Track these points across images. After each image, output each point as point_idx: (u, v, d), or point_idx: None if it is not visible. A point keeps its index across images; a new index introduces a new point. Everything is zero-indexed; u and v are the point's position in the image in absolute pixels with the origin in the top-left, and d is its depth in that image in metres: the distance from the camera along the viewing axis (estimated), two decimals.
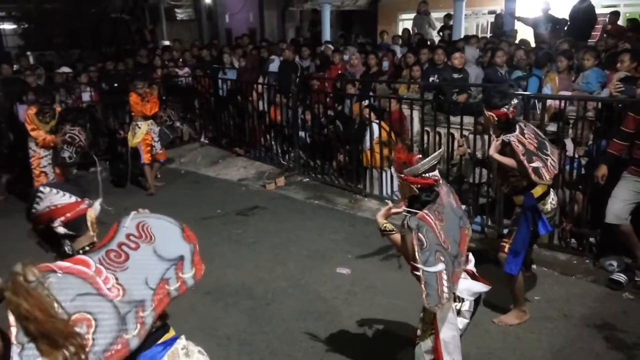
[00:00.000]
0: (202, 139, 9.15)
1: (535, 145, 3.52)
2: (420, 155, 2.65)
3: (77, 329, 1.59)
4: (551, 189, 3.68)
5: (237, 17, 14.78)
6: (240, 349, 3.54)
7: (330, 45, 9.27)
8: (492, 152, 3.59)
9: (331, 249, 4.99)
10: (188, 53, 10.35)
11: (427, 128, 5.88)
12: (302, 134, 7.33)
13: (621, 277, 4.13)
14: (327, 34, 11.93)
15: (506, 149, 3.50)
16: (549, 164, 3.47)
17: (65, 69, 9.18)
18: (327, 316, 3.86)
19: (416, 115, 5.98)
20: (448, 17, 10.37)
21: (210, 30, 15.28)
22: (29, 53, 12.93)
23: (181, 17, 18.22)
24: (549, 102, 5.14)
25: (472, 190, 5.41)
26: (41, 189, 1.88)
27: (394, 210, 2.62)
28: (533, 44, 8.23)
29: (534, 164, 3.40)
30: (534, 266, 4.51)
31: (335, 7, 13.01)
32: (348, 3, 13.23)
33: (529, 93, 5.49)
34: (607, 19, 8.62)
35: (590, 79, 5.64)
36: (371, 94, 6.91)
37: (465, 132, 5.36)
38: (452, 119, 5.50)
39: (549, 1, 8.53)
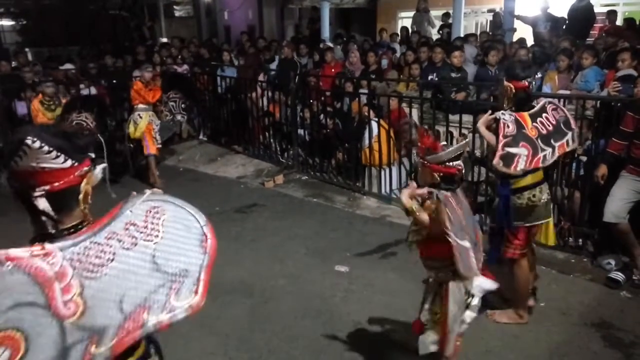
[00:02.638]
0: (201, 136, 9.15)
1: (545, 132, 3.31)
2: (445, 143, 2.57)
3: None
4: (541, 186, 3.45)
5: (236, 14, 14.75)
6: (239, 347, 3.55)
7: (330, 43, 9.27)
8: (480, 124, 3.45)
9: (330, 247, 4.99)
10: (186, 50, 10.34)
11: (425, 126, 5.87)
12: (301, 131, 7.33)
13: (619, 276, 4.13)
14: (326, 32, 11.92)
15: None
16: (539, 155, 3.26)
17: (68, 66, 9.18)
18: (325, 314, 3.86)
19: (415, 113, 5.98)
20: (447, 15, 10.36)
21: (209, 27, 15.25)
22: (27, 49, 12.89)
23: (180, 14, 18.20)
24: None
25: (470, 188, 5.41)
26: (29, 140, 1.36)
27: (417, 191, 2.52)
28: (531, 43, 8.24)
29: (512, 149, 3.20)
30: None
31: (334, 4, 12.99)
32: (347, 1, 13.21)
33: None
34: (605, 18, 8.64)
35: (589, 77, 5.65)
36: (366, 91, 6.91)
37: (464, 131, 5.37)
38: (450, 117, 5.51)
39: (548, 0, 8.54)
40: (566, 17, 8.27)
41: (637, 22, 8.26)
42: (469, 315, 2.54)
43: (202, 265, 1.41)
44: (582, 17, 8.00)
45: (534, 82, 3.51)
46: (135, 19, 15.42)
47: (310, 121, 7.23)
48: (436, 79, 6.60)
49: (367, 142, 6.19)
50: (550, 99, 3.64)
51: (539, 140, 3.28)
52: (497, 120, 3.31)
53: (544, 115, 3.36)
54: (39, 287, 1.24)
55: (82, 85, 7.91)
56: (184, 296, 1.37)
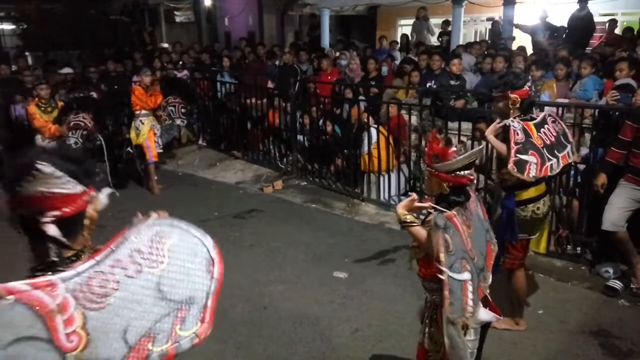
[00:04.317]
0: (200, 142, 9.16)
1: (548, 142, 3.33)
2: (457, 148, 2.28)
3: None
4: (544, 199, 3.47)
5: (236, 20, 14.79)
6: (237, 353, 3.54)
7: (332, 51, 9.30)
8: (489, 132, 3.44)
9: (328, 253, 4.99)
10: (186, 55, 10.37)
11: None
12: (300, 137, 7.34)
13: (617, 284, 4.14)
14: (326, 39, 11.96)
15: (506, 134, 3.32)
16: (547, 164, 3.27)
17: (67, 70, 9.20)
18: (324, 320, 3.86)
19: (414, 120, 6.00)
20: (446, 22, 10.41)
21: (210, 33, 15.31)
22: (27, 53, 12.92)
23: (180, 20, 18.27)
24: (546, 109, 5.16)
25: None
26: (41, 165, 1.34)
27: (417, 204, 2.29)
28: (530, 51, 8.28)
29: (523, 156, 3.19)
30: (529, 272, 4.52)
31: (334, 11, 13.04)
32: (347, 8, 13.26)
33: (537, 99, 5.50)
34: (606, 27, 8.69)
35: (587, 86, 5.68)
36: (364, 97, 6.94)
37: (463, 138, 5.38)
38: (449, 124, 5.53)
39: (547, 9, 8.58)
40: (566, 26, 8.31)
41: (635, 32, 8.32)
42: (468, 337, 2.23)
43: (208, 292, 1.40)
44: (582, 26, 8.04)
45: (533, 87, 3.53)
46: (135, 24, 15.47)
47: (310, 127, 7.25)
48: (435, 86, 6.62)
49: (366, 148, 6.20)
50: (549, 112, 3.69)
51: (545, 150, 3.29)
52: (505, 128, 3.31)
53: (545, 126, 3.39)
54: (41, 320, 1.21)
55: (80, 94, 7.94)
56: (189, 325, 1.35)
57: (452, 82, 6.42)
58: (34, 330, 1.20)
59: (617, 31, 8.74)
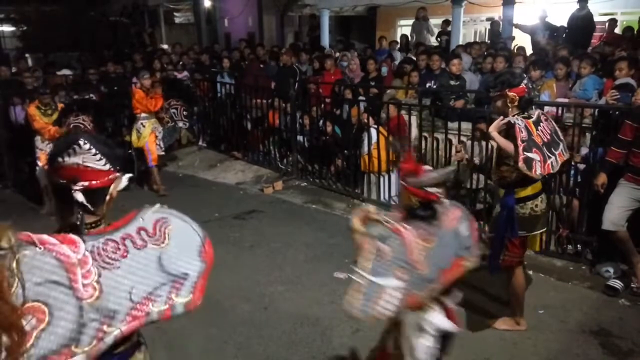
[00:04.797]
0: (201, 143, 9.16)
1: (546, 140, 3.37)
2: (430, 168, 2.44)
3: (25, 321, 1.36)
4: (541, 196, 3.50)
5: (236, 22, 14.81)
6: (237, 353, 3.54)
7: (333, 51, 9.30)
8: (493, 129, 3.45)
9: (328, 254, 4.99)
10: (186, 56, 10.38)
11: (424, 134, 5.89)
12: (300, 138, 7.35)
13: (617, 284, 4.14)
14: (325, 39, 11.97)
15: (510, 131, 3.36)
16: (548, 162, 3.31)
17: (66, 71, 9.20)
18: (324, 320, 3.86)
19: (414, 120, 6.00)
20: (446, 22, 10.42)
21: (209, 34, 15.31)
22: (27, 55, 12.94)
23: (180, 21, 18.29)
24: (546, 108, 5.16)
25: (469, 195, 5.43)
26: (82, 141, 1.62)
27: (372, 216, 2.34)
28: (530, 51, 8.28)
29: (529, 154, 3.23)
30: (530, 272, 4.53)
31: (334, 12, 13.05)
32: (347, 8, 13.27)
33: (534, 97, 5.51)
34: (606, 27, 8.69)
35: (587, 86, 5.68)
36: (364, 98, 6.94)
37: (463, 138, 5.38)
38: (449, 124, 5.53)
39: (547, 9, 8.59)
40: (566, 26, 8.31)
41: (635, 32, 8.32)
42: (425, 343, 2.29)
43: (200, 272, 1.64)
44: (582, 26, 8.04)
45: (529, 84, 3.55)
46: (135, 26, 15.49)
47: (310, 128, 7.25)
48: (434, 86, 6.63)
49: (366, 148, 6.21)
50: (541, 111, 3.72)
51: (545, 147, 3.33)
52: (510, 126, 3.33)
53: (541, 124, 3.42)
54: (64, 270, 1.45)
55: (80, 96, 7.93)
56: (183, 294, 1.60)
57: (452, 82, 6.41)
58: (57, 277, 1.43)
59: (617, 31, 8.74)
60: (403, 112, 6.06)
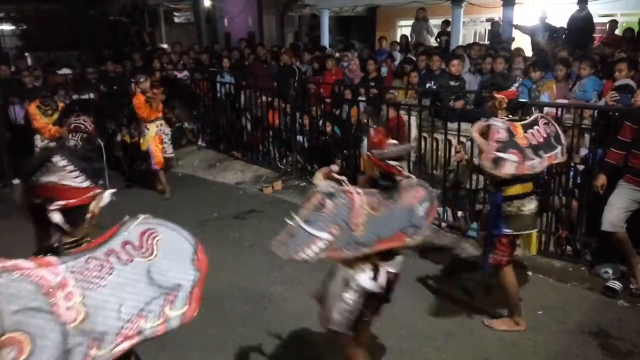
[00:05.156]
0: (200, 142, 9.15)
1: (535, 142, 3.43)
2: (396, 142, 2.64)
3: (4, 353, 1.28)
4: (531, 197, 3.55)
5: (236, 21, 14.80)
6: (237, 354, 3.54)
7: (336, 53, 9.29)
8: (474, 130, 3.53)
9: None
10: (186, 56, 10.37)
11: (424, 134, 5.90)
12: (300, 138, 7.35)
13: (616, 285, 4.14)
14: (325, 39, 11.97)
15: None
16: (528, 163, 3.38)
17: (66, 70, 9.20)
18: None
19: (414, 121, 6.01)
20: (446, 23, 10.43)
21: (209, 33, 15.31)
22: (27, 54, 12.94)
23: (180, 21, 18.29)
24: (546, 109, 5.16)
25: (468, 196, 5.43)
26: (56, 158, 1.54)
27: (334, 175, 2.57)
28: (530, 52, 8.29)
29: (503, 154, 3.31)
30: (529, 272, 4.53)
31: (334, 12, 13.05)
32: (347, 9, 13.27)
33: (525, 100, 5.51)
34: (606, 28, 8.69)
35: (587, 87, 5.68)
36: (364, 98, 6.94)
37: (463, 139, 5.38)
38: (449, 125, 5.53)
39: (546, 10, 8.59)
40: (565, 27, 8.32)
41: (635, 33, 8.32)
42: (347, 297, 2.54)
43: (194, 281, 1.58)
44: (582, 27, 8.05)
45: (519, 88, 3.71)
46: (135, 25, 15.48)
47: (309, 128, 7.25)
48: (434, 87, 6.63)
49: (366, 149, 6.20)
50: (542, 114, 3.80)
51: (529, 150, 3.40)
52: (489, 127, 3.41)
53: (535, 127, 3.50)
54: (43, 295, 1.36)
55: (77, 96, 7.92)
56: (177, 306, 1.53)
57: (452, 83, 6.42)
58: (37, 303, 1.35)
59: (617, 32, 8.75)
60: (402, 112, 6.07)
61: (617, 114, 4.50)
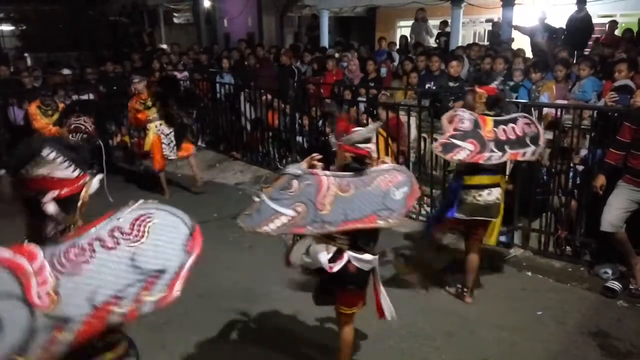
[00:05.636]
0: (200, 143, 9.14)
1: (506, 138, 3.64)
2: (360, 128, 2.75)
3: None
4: (491, 189, 3.74)
5: (235, 22, 14.80)
6: (235, 353, 3.55)
7: (336, 53, 9.28)
8: (444, 117, 3.78)
9: None
10: (185, 57, 10.37)
11: (424, 135, 5.90)
12: (299, 138, 7.34)
13: (616, 285, 4.14)
14: (325, 40, 11.97)
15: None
16: (485, 154, 3.57)
17: (66, 71, 9.19)
18: (324, 321, 3.85)
19: (413, 121, 6.00)
20: (444, 23, 10.44)
21: (209, 34, 15.31)
22: (26, 55, 12.93)
23: (179, 21, 18.29)
24: (545, 110, 5.17)
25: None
26: (45, 151, 1.57)
27: (314, 162, 2.70)
28: (530, 53, 8.30)
29: (457, 141, 3.56)
30: (528, 273, 4.54)
31: (333, 13, 13.06)
32: (346, 9, 13.27)
33: (525, 101, 5.52)
34: (606, 28, 8.70)
35: (586, 87, 5.69)
36: (364, 99, 6.94)
37: None
38: None
39: (546, 10, 8.60)
40: (564, 27, 8.32)
41: (635, 33, 8.33)
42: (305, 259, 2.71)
43: (180, 264, 1.58)
44: (581, 27, 8.06)
45: (500, 86, 3.98)
46: (135, 26, 15.48)
47: (309, 128, 7.25)
48: (434, 87, 6.63)
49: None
50: (525, 114, 4.00)
51: (492, 143, 3.62)
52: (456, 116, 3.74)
53: (510, 125, 3.71)
54: (17, 281, 1.43)
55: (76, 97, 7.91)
56: (155, 291, 1.53)
57: (451, 84, 6.42)
58: (10, 288, 1.42)
59: (617, 32, 8.75)
60: (402, 112, 6.07)
61: (616, 114, 4.50)
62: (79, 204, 1.66)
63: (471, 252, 3.97)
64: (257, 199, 2.47)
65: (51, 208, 1.57)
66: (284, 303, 4.14)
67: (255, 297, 4.21)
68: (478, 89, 3.75)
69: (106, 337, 1.63)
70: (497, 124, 3.70)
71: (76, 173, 1.62)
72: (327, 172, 2.54)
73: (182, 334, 3.66)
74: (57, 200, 1.58)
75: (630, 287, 4.13)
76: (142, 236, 1.57)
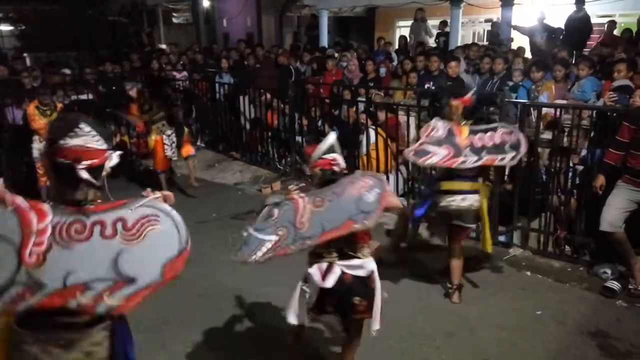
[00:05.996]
0: (199, 143, 9.14)
1: (482, 145, 3.75)
2: (319, 145, 2.99)
3: None
4: (466, 196, 3.83)
5: (234, 22, 14.80)
6: (235, 354, 3.54)
7: (335, 53, 9.28)
8: (422, 130, 3.96)
9: None
10: (185, 57, 10.36)
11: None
12: (298, 138, 7.34)
13: (615, 285, 4.15)
14: (324, 40, 11.97)
15: None
16: (458, 159, 3.68)
17: (65, 71, 9.18)
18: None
19: (412, 121, 6.00)
20: (444, 23, 10.44)
21: (208, 34, 15.31)
22: (25, 54, 12.92)
23: (178, 21, 18.28)
24: (544, 110, 5.17)
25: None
26: (82, 124, 1.77)
27: (290, 189, 2.88)
28: (529, 53, 8.30)
29: (430, 147, 3.71)
30: (528, 273, 4.54)
31: (332, 12, 13.06)
32: (346, 9, 13.28)
33: (525, 101, 5.53)
34: (604, 28, 8.71)
35: (585, 87, 5.70)
36: (364, 99, 6.94)
37: None
38: None
39: (545, 10, 8.61)
40: (563, 27, 8.33)
41: (634, 33, 8.34)
42: (303, 287, 2.97)
43: (150, 282, 1.66)
44: (579, 27, 8.07)
45: (473, 97, 4.08)
46: (134, 25, 15.47)
47: (308, 128, 7.25)
48: (433, 87, 6.62)
49: (364, 149, 6.21)
50: (504, 124, 4.10)
51: (468, 149, 3.74)
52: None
53: (490, 133, 3.83)
54: (20, 233, 1.60)
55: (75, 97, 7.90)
56: (117, 297, 1.62)
57: (450, 84, 6.41)
58: (12, 235, 1.60)
59: (616, 32, 8.76)
60: (401, 112, 6.07)
61: (615, 114, 4.51)
62: (103, 173, 1.84)
63: (451, 255, 4.06)
64: (244, 234, 2.63)
65: (85, 174, 1.74)
66: (284, 303, 4.13)
67: (255, 297, 4.21)
68: (453, 102, 3.90)
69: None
70: (474, 132, 3.83)
71: (104, 146, 1.81)
72: (302, 194, 2.70)
73: (182, 334, 3.66)
74: (90, 169, 1.76)
75: (630, 287, 4.14)
76: (139, 238, 1.66)
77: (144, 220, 1.68)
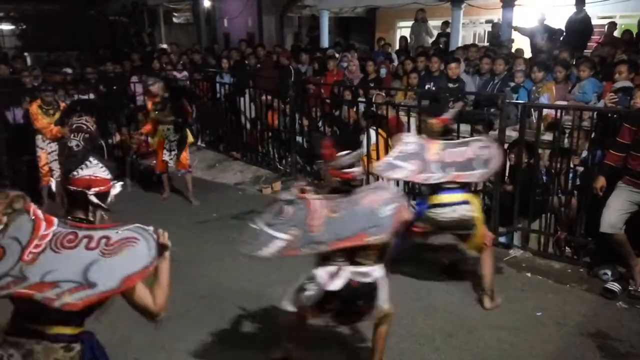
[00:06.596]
0: (199, 143, 9.14)
1: (452, 161, 3.82)
2: (343, 153, 2.94)
3: None
4: (455, 207, 3.84)
5: (235, 22, 14.80)
6: (235, 353, 3.54)
7: (336, 54, 9.28)
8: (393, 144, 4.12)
9: None
10: (185, 57, 10.36)
11: (423, 135, 5.89)
12: (299, 139, 7.34)
13: (615, 286, 4.15)
14: (325, 40, 11.97)
15: None
16: (424, 175, 3.78)
17: (67, 70, 9.18)
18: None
19: (413, 122, 6.00)
20: (445, 24, 10.44)
21: (209, 34, 15.31)
22: (26, 54, 12.92)
23: (179, 21, 18.29)
24: (545, 111, 5.18)
25: None
26: (91, 159, 2.19)
27: (305, 189, 2.88)
28: (529, 54, 8.30)
29: (398, 162, 3.83)
30: (528, 274, 4.54)
31: (333, 13, 13.06)
32: (346, 10, 13.28)
33: (525, 102, 5.53)
34: (605, 29, 8.71)
35: (586, 89, 5.70)
36: (364, 99, 6.94)
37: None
38: None
39: (545, 11, 8.61)
40: (563, 29, 8.33)
41: (634, 35, 8.34)
42: (307, 286, 2.87)
43: (106, 290, 1.90)
44: (580, 29, 8.07)
45: (450, 116, 4.26)
46: (135, 25, 15.47)
47: (309, 128, 7.25)
48: (433, 88, 6.63)
49: (365, 149, 6.20)
50: (482, 138, 4.21)
51: (435, 164, 3.82)
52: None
53: (462, 148, 3.90)
54: (29, 238, 1.94)
55: (78, 96, 7.88)
56: (73, 298, 1.86)
57: (451, 85, 6.42)
58: (23, 239, 1.94)
59: (616, 34, 8.76)
60: (402, 113, 6.07)
61: (615, 115, 4.51)
62: (109, 199, 2.22)
63: (481, 263, 4.04)
64: (254, 226, 2.66)
65: (95, 199, 2.14)
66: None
67: (255, 297, 4.21)
68: (430, 120, 4.07)
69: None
70: (445, 147, 3.91)
71: (110, 176, 2.22)
72: (317, 196, 2.71)
73: (182, 334, 3.66)
74: (98, 194, 2.15)
75: (630, 288, 4.14)
76: (115, 253, 1.94)
77: (124, 241, 1.97)
